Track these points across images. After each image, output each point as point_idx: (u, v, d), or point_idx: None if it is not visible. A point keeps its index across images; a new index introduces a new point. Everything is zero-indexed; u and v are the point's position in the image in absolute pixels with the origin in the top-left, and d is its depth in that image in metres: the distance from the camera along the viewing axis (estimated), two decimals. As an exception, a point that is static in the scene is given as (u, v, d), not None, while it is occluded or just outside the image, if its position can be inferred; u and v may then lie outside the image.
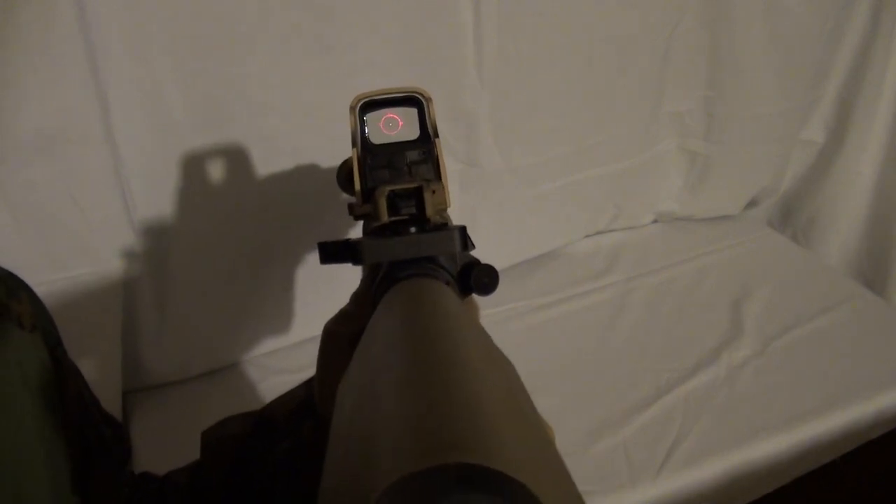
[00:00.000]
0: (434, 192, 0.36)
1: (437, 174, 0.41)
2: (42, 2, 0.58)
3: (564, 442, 0.79)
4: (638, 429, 0.81)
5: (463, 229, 0.36)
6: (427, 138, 0.41)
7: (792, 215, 1.31)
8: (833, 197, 1.23)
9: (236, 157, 0.75)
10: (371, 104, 0.41)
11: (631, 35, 0.94)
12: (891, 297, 1.16)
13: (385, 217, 0.36)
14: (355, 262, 0.36)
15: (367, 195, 0.40)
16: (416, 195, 0.36)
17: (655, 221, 1.22)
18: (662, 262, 1.11)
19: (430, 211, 0.35)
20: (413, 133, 0.42)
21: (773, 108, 1.09)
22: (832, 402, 0.84)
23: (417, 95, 0.41)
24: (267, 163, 0.77)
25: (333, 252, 0.37)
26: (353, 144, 0.41)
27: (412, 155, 0.41)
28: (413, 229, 0.35)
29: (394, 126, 0.42)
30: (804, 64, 1.07)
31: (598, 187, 1.06)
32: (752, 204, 1.25)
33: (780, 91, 1.07)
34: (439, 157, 0.41)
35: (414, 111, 0.42)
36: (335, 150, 0.77)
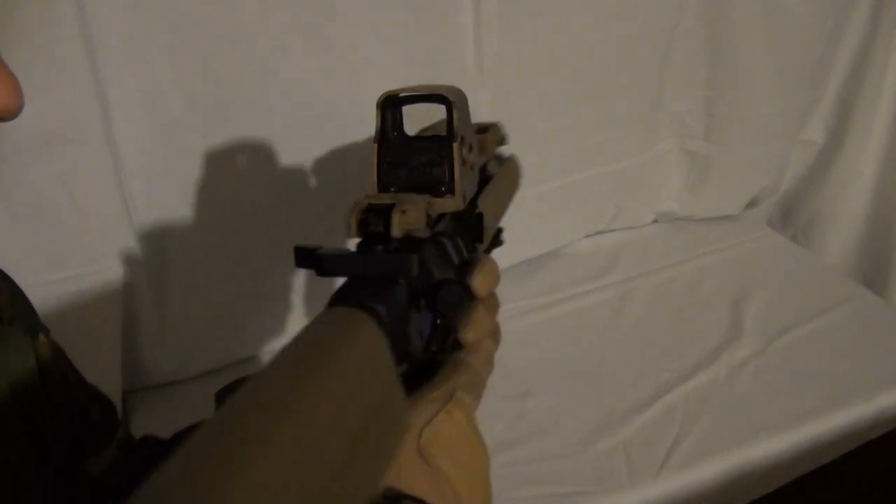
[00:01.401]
0: (405, 212, 0.36)
1: (451, 178, 0.41)
2: (42, 2, 0.58)
3: (564, 442, 0.79)
4: (638, 429, 0.81)
5: (439, 247, 0.37)
6: (447, 141, 0.41)
7: (792, 215, 1.31)
8: (833, 197, 1.23)
9: (236, 157, 0.75)
10: (396, 102, 0.42)
11: (631, 35, 0.94)
12: (891, 297, 1.16)
13: (354, 232, 0.36)
14: (318, 272, 0.36)
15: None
16: (384, 214, 0.35)
17: (655, 221, 1.22)
18: (662, 262, 1.11)
19: (395, 231, 0.35)
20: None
21: (773, 108, 1.09)
22: (832, 402, 0.83)
23: (445, 96, 0.41)
24: (267, 162, 0.77)
25: (303, 258, 0.37)
26: (374, 140, 0.41)
27: (430, 156, 0.41)
28: (379, 247, 0.35)
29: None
30: (804, 64, 1.07)
31: (599, 187, 1.06)
32: (752, 204, 1.25)
33: (780, 91, 1.07)
34: (454, 161, 0.41)
35: (422, 114, 0.42)
36: (336, 150, 0.77)
